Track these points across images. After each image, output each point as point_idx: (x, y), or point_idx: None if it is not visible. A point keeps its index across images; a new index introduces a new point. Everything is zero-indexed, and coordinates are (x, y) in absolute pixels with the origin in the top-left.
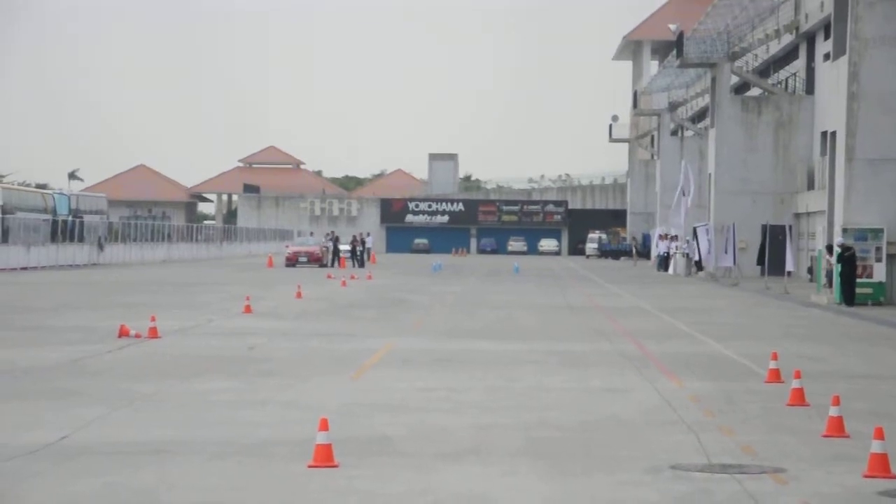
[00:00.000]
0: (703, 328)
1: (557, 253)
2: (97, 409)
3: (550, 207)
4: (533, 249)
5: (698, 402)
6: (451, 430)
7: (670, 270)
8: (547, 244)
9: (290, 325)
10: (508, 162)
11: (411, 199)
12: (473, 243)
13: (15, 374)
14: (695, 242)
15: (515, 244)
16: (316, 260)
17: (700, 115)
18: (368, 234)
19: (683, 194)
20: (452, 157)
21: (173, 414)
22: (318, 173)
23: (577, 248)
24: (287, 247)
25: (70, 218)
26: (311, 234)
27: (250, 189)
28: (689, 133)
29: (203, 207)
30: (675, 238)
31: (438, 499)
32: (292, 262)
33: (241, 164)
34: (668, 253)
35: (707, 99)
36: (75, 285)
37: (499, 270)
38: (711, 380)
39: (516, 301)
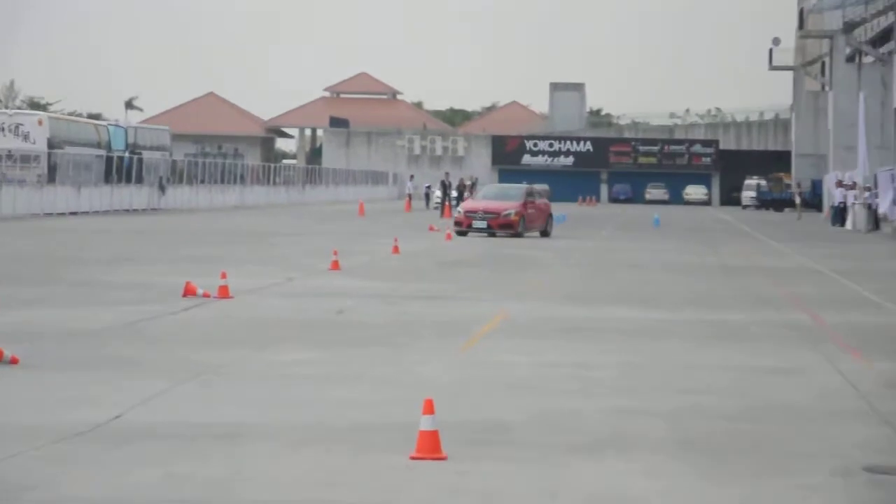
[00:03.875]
0: (894, 295)
1: (706, 203)
2: (157, 382)
3: (697, 148)
4: (676, 198)
5: (893, 388)
6: (582, 416)
7: (847, 225)
8: (693, 192)
9: (385, 286)
10: (646, 93)
11: (529, 137)
12: (604, 190)
13: (61, 338)
14: (876, 191)
15: (655, 192)
16: (508, 226)
17: (883, 37)
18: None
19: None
20: (578, 88)
21: (248, 390)
22: (418, 105)
23: (730, 198)
24: (454, 201)
25: (127, 154)
26: (412, 177)
27: (338, 123)
28: (868, 59)
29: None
30: (853, 186)
31: (572, 501)
32: (463, 227)
33: (327, 94)
34: (844, 203)
35: (892, 17)
36: (132, 234)
37: (635, 223)
38: None
39: (657, 260)
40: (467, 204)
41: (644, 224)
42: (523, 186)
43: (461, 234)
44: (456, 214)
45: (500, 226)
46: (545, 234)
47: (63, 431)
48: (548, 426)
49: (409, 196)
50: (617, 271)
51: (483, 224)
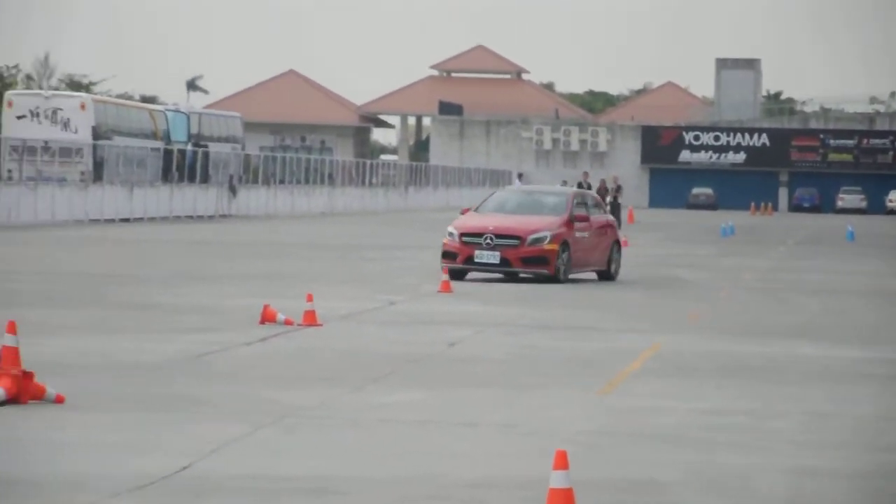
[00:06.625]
0: None
1: None
2: (232, 426)
3: None
4: (877, 206)
5: None
6: (753, 477)
7: None
8: None
9: (507, 312)
10: (837, 73)
11: (688, 128)
12: (783, 195)
13: (113, 372)
14: None
15: (849, 198)
16: (538, 260)
17: None
18: (620, 182)
19: None
20: (752, 65)
21: (340, 437)
22: (549, 87)
23: None
24: None
25: (189, 147)
26: (521, 175)
27: (449, 109)
28: None
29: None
30: None
31: None
32: (457, 262)
33: (435, 73)
34: None
35: None
36: (196, 245)
37: (822, 237)
38: None
39: (851, 284)
40: (466, 221)
41: (834, 238)
42: (568, 191)
43: (455, 274)
44: (446, 239)
45: (526, 260)
46: (606, 275)
47: (120, 484)
48: (709, 488)
49: None
50: (798, 297)
51: (494, 257)
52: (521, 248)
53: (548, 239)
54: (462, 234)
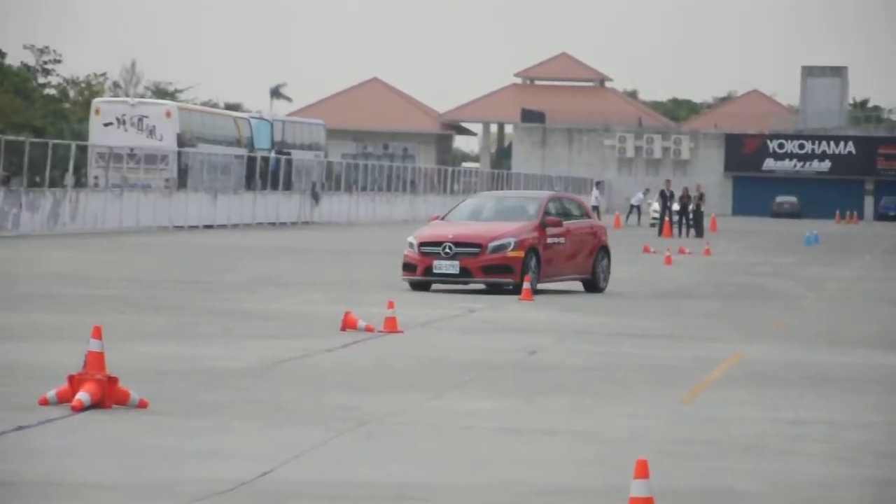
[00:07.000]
0: None
1: None
2: (312, 432)
3: None
4: None
5: None
6: (836, 488)
7: None
8: None
9: (588, 320)
10: None
11: (773, 136)
12: (868, 204)
13: (195, 378)
14: None
15: None
16: (501, 268)
17: None
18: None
19: None
20: (839, 73)
21: (419, 444)
22: (632, 95)
23: None
24: None
25: (273, 154)
26: (598, 184)
27: (531, 117)
28: None
29: (462, 142)
30: None
31: None
32: (416, 275)
33: (518, 80)
34: None
35: None
36: (278, 252)
37: None
38: None
39: None
40: (427, 230)
41: None
42: (541, 195)
43: (416, 286)
44: (406, 250)
45: (487, 269)
46: (593, 286)
47: (201, 489)
48: (792, 498)
49: (596, 209)
50: (882, 307)
51: (452, 267)
52: (482, 257)
53: (511, 246)
54: (421, 244)
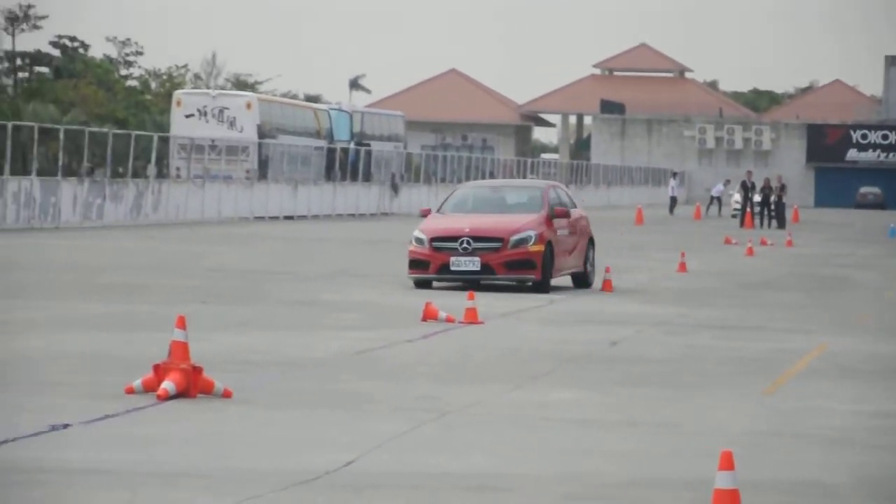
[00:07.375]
0: None
1: None
2: (394, 422)
3: None
4: None
5: None
6: None
7: None
8: None
9: (669, 311)
10: None
11: (856, 126)
12: None
13: (278, 368)
14: None
15: None
16: (523, 264)
17: None
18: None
19: None
20: None
21: (500, 434)
22: (712, 85)
23: None
24: None
25: (352, 146)
26: (675, 175)
27: (610, 108)
28: None
29: (540, 134)
30: None
31: None
32: (428, 272)
33: (597, 71)
34: None
35: None
36: (359, 243)
37: None
38: None
39: None
40: (435, 223)
41: None
42: (539, 184)
43: (421, 283)
44: (412, 246)
45: (510, 265)
46: (583, 280)
47: (286, 478)
48: (877, 491)
49: (673, 200)
50: None
51: (473, 264)
52: (504, 252)
53: (532, 239)
54: (432, 239)
